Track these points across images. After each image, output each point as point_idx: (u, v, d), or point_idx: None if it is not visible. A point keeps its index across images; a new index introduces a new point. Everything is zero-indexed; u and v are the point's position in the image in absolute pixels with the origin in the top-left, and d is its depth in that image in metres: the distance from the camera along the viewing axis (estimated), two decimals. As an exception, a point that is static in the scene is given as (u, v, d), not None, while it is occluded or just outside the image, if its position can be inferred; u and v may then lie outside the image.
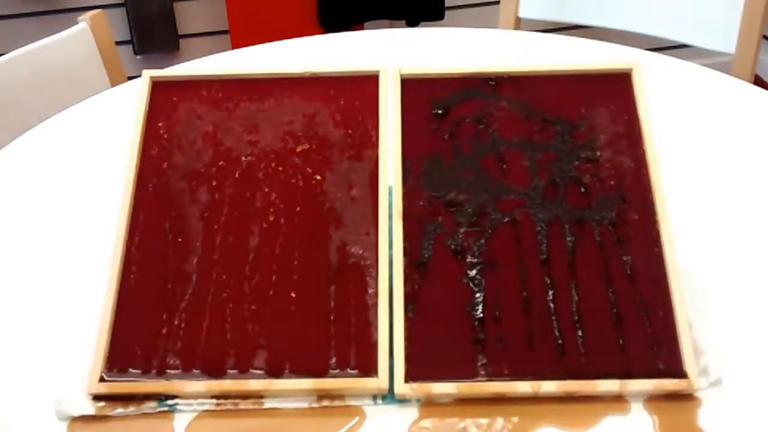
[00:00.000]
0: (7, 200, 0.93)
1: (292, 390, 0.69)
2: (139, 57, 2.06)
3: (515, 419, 0.68)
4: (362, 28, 2.07)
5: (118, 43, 1.54)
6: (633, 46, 1.16)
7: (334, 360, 0.70)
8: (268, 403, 0.69)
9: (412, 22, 2.09)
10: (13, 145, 1.02)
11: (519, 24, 1.50)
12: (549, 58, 1.14)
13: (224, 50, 1.22)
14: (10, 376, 0.73)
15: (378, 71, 0.83)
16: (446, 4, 2.10)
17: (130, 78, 1.17)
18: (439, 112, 0.81)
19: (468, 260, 0.74)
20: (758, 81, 2.28)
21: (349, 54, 1.18)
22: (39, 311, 0.78)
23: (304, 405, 0.69)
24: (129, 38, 2.05)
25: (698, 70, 1.10)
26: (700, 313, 0.74)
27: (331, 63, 1.11)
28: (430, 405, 0.69)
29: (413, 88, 0.82)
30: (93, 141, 1.02)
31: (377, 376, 0.69)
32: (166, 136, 0.82)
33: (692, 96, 1.05)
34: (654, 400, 0.68)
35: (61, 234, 0.86)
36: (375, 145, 0.80)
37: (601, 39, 1.18)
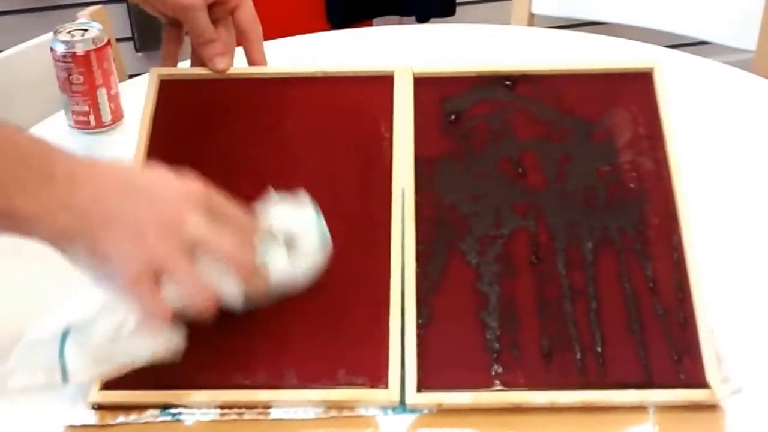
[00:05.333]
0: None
1: (298, 401, 0.67)
2: (140, 54, 2.05)
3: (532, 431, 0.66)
4: (371, 24, 2.06)
5: (119, 39, 1.54)
6: (650, 42, 1.15)
7: (343, 370, 0.68)
8: (274, 413, 0.67)
9: (423, 18, 2.08)
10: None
11: (533, 20, 1.49)
12: (565, 55, 1.12)
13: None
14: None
15: (392, 71, 0.82)
16: (457, 0, 2.09)
17: (131, 76, 1.16)
18: (453, 112, 0.80)
19: (483, 265, 0.72)
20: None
21: (358, 51, 1.16)
22: (38, 314, 0.76)
23: (312, 416, 0.67)
24: (130, 35, 2.04)
25: (718, 67, 1.09)
26: (722, 319, 0.72)
27: (340, 60, 1.10)
28: (442, 415, 0.67)
29: (426, 87, 0.81)
30: (94, 141, 1.01)
31: (387, 387, 0.67)
32: (172, 135, 0.81)
33: (713, 95, 1.04)
34: (674, 409, 0.67)
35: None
36: (389, 147, 0.78)
37: (616, 36, 1.17)
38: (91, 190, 0.63)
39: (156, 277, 0.64)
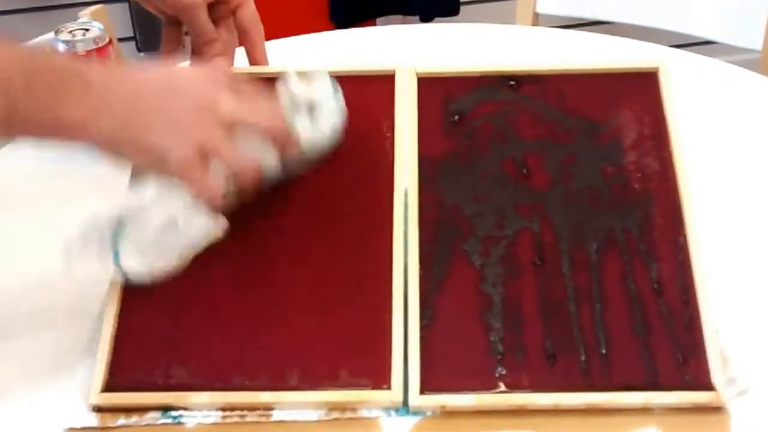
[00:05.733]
0: (7, 201, 0.91)
1: (300, 402, 0.67)
2: (142, 54, 2.04)
3: (535, 434, 0.66)
4: (374, 24, 2.05)
5: (120, 39, 1.53)
6: (655, 42, 1.14)
7: (345, 371, 0.68)
8: (276, 415, 0.67)
9: (426, 18, 2.07)
10: (11, 145, 0.99)
11: (537, 20, 1.48)
12: (569, 55, 1.12)
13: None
14: (9, 385, 0.71)
15: (394, 70, 0.81)
16: (461, -1, 2.08)
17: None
18: (457, 112, 0.79)
19: (486, 267, 0.72)
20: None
21: (361, 51, 1.16)
22: (38, 318, 0.76)
23: (314, 417, 0.67)
24: (132, 35, 2.03)
25: (724, 67, 1.08)
26: (727, 320, 0.72)
27: (342, 60, 1.09)
28: (445, 417, 0.67)
29: (430, 87, 0.80)
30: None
31: (390, 389, 0.67)
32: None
33: (718, 95, 1.03)
34: (679, 411, 0.66)
35: (61, 238, 0.84)
36: (391, 147, 0.77)
37: (621, 35, 1.16)
38: (127, 93, 0.67)
39: (203, 160, 0.68)
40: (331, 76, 0.76)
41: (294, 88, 0.74)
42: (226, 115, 0.69)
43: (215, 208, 0.70)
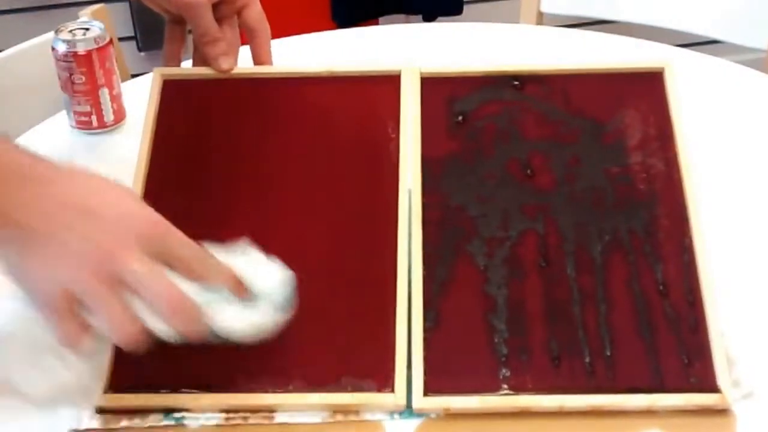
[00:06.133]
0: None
1: (303, 405, 0.67)
2: (143, 54, 2.04)
3: (539, 436, 0.65)
4: (377, 23, 2.05)
5: (121, 39, 1.53)
6: (660, 41, 1.14)
7: (349, 373, 0.67)
8: (279, 418, 0.67)
9: (429, 17, 2.06)
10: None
11: (541, 19, 1.48)
12: (574, 55, 1.11)
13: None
14: (11, 385, 0.70)
15: (399, 71, 0.81)
16: (464, -2, 2.08)
17: (134, 76, 1.15)
18: (461, 112, 0.79)
19: (490, 268, 0.71)
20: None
21: (363, 50, 1.16)
22: (40, 318, 0.76)
23: (317, 420, 0.66)
24: (133, 34, 2.02)
25: (730, 67, 1.07)
26: (733, 321, 0.72)
27: (345, 60, 1.09)
28: (449, 419, 0.66)
29: (433, 87, 0.80)
30: (96, 141, 1.00)
31: (394, 391, 0.66)
32: (176, 136, 0.80)
33: (724, 94, 1.03)
34: (684, 414, 0.66)
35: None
36: (395, 148, 0.77)
37: (626, 34, 1.16)
38: (42, 204, 0.60)
39: (73, 304, 0.60)
40: (285, 271, 0.65)
41: (239, 266, 0.65)
42: (121, 271, 0.59)
43: (76, 351, 0.62)
